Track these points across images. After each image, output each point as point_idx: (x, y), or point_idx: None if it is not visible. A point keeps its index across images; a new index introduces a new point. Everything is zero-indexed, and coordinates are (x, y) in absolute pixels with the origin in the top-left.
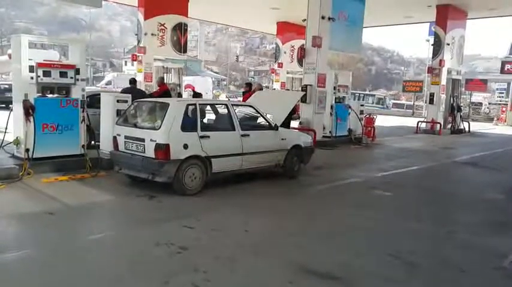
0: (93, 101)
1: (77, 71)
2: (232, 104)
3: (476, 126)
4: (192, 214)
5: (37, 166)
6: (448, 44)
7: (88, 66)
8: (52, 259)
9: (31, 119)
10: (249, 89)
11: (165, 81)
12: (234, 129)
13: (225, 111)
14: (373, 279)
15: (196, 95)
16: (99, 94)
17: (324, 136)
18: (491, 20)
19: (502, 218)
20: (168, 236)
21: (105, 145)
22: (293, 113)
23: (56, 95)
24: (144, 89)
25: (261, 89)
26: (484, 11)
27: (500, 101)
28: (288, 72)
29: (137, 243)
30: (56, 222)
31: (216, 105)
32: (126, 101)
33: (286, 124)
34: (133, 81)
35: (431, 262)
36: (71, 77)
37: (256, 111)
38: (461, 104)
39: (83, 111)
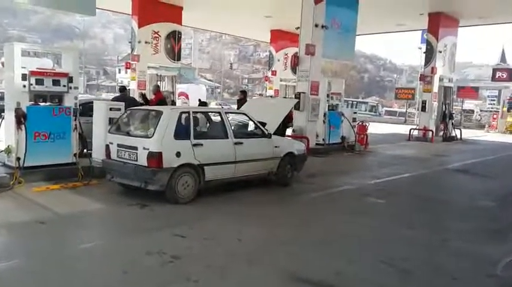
0: (86, 109)
1: (70, 79)
2: (225, 112)
3: (468, 134)
4: (185, 222)
5: (28, 175)
6: (440, 52)
7: (81, 74)
8: (42, 268)
9: (23, 127)
10: (243, 97)
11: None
12: (227, 137)
13: (218, 119)
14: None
15: (202, 104)
16: (92, 102)
17: (317, 144)
18: (483, 27)
19: (495, 225)
20: (160, 245)
21: (98, 153)
22: (289, 121)
23: (48, 103)
24: (137, 97)
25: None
26: (475, 19)
27: (492, 108)
28: (281, 80)
29: (128, 252)
30: (46, 231)
31: (210, 113)
32: (119, 109)
33: (281, 132)
34: (123, 89)
35: (425, 270)
36: (64, 85)
37: (250, 119)
38: (453, 112)
39: (75, 120)
